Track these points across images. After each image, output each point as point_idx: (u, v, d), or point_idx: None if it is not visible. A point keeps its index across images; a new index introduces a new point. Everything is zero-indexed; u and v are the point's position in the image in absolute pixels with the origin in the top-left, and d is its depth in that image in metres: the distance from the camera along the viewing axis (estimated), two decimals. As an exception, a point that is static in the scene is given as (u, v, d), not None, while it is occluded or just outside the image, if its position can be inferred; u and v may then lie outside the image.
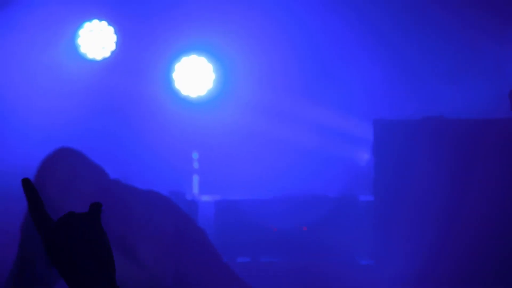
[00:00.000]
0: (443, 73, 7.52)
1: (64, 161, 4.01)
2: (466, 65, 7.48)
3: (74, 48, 6.70)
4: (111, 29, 6.75)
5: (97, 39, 6.66)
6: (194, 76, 6.82)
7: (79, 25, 6.66)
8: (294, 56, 7.27)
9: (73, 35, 6.72)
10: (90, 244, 1.71)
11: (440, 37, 7.60)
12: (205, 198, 6.37)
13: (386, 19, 7.33)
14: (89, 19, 6.72)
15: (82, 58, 6.68)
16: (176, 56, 6.90)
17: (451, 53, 7.83)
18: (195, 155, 6.56)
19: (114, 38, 6.79)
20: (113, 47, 6.75)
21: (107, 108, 6.75)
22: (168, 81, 7.00)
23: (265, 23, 6.95)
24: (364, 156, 7.42)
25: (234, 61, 6.78)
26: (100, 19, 6.71)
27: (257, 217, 6.77)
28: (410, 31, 7.83)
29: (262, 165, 7.12)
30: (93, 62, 6.77)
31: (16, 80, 6.87)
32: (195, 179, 6.59)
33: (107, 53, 6.80)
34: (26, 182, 1.74)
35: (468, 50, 7.54)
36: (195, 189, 6.66)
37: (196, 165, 6.56)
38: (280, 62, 6.88)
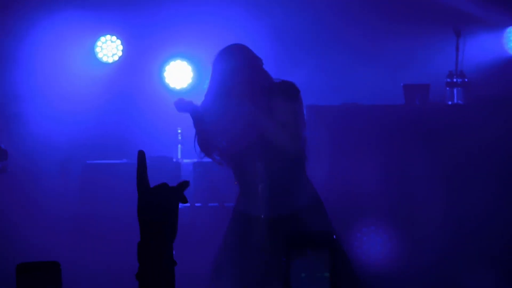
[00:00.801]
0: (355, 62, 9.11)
1: None
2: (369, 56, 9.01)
3: (93, 54, 9.14)
4: (119, 41, 8.92)
5: (109, 48, 9.02)
6: (178, 74, 8.97)
7: (97, 38, 9.06)
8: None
9: (93, 45, 9.11)
10: (167, 212, 2.08)
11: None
12: (186, 161, 8.09)
13: (293, 17, 9.17)
14: (104, 34, 9.01)
15: (98, 62, 9.02)
16: (166, 60, 8.90)
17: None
18: (179, 130, 8.66)
19: (121, 47, 8.93)
20: (120, 54, 8.94)
21: (117, 97, 9.00)
22: (160, 78, 8.95)
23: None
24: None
25: (206, 64, 8.96)
26: (112, 34, 9.07)
27: (223, 174, 8.64)
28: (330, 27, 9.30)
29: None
30: (106, 64, 8.97)
31: (50, 80, 9.16)
32: (179, 147, 8.29)
33: (116, 58, 8.94)
34: (140, 153, 2.12)
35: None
36: (179, 154, 8.11)
37: (179, 137, 8.62)
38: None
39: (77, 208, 8.05)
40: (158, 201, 2.07)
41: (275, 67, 5.05)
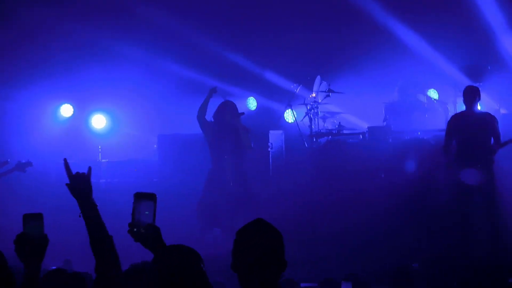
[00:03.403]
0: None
1: None
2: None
3: (57, 112, 16.25)
4: (70, 106, 16.52)
5: (66, 109, 16.33)
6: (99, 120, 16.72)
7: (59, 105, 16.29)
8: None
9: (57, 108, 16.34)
10: None
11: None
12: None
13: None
14: (62, 103, 16.34)
15: (61, 118, 16.11)
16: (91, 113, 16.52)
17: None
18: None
19: (71, 110, 16.38)
20: (71, 113, 16.51)
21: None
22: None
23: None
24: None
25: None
26: (66, 102, 16.44)
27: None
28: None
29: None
30: (64, 119, 16.19)
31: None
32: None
33: (69, 115, 16.34)
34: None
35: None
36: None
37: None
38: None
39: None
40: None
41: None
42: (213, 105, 12.11)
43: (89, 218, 4.12)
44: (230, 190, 11.17)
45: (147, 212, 3.98)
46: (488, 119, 10.89)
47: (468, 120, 10.87)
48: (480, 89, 11.39)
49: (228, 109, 11.36)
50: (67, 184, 4.18)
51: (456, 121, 10.96)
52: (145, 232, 3.93)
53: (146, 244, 3.96)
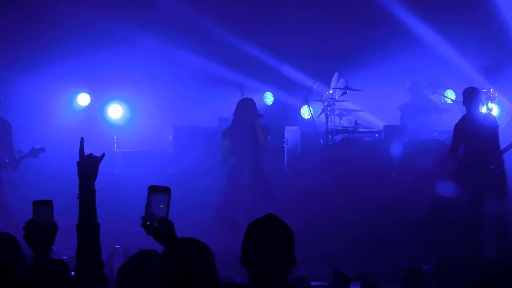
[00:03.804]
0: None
1: None
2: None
3: (73, 101, 16.33)
4: (87, 95, 16.39)
5: (83, 98, 16.28)
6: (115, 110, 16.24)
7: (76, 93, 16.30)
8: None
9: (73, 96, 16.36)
10: None
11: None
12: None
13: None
14: (79, 92, 16.24)
15: (77, 107, 16.16)
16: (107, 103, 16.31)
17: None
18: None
19: (88, 99, 16.14)
20: (88, 102, 16.22)
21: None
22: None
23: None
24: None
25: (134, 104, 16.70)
26: (83, 91, 16.30)
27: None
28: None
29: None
30: (81, 108, 16.18)
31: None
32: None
33: (86, 104, 16.12)
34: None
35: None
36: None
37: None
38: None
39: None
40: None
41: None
42: (232, 100, 12.08)
43: (84, 201, 4.14)
44: (247, 190, 11.11)
45: (161, 206, 3.97)
46: (493, 121, 10.92)
47: (475, 123, 10.78)
48: (497, 91, 11.30)
49: (247, 107, 11.24)
50: (77, 162, 4.21)
51: (463, 125, 10.86)
52: (158, 226, 3.92)
53: (159, 238, 3.96)
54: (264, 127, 11.21)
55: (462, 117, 11.08)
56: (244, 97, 11.81)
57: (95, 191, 4.18)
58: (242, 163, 11.16)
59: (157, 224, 3.92)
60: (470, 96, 10.80)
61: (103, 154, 4.29)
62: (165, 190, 3.99)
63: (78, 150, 4.24)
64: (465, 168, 10.69)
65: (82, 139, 4.24)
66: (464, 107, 11.02)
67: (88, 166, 4.19)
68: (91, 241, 4.06)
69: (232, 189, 11.21)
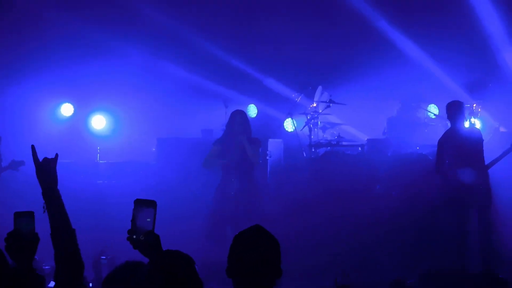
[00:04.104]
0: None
1: None
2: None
3: (57, 112, 16.44)
4: (70, 106, 16.57)
5: (66, 109, 16.49)
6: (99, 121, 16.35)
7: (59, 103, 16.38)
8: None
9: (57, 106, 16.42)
10: None
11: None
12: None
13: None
14: (62, 102, 16.41)
15: (60, 117, 16.36)
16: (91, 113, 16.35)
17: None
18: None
19: (72, 109, 16.40)
20: (72, 112, 16.49)
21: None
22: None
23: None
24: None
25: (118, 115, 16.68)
26: (67, 101, 16.47)
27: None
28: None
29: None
30: (64, 118, 16.33)
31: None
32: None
33: (70, 114, 16.44)
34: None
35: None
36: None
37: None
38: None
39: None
40: None
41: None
42: (216, 112, 11.94)
43: (52, 207, 4.03)
44: (235, 204, 10.96)
45: (148, 219, 3.92)
46: (478, 134, 10.85)
47: (460, 137, 10.72)
48: (480, 106, 11.31)
49: (238, 120, 11.07)
50: (35, 171, 4.14)
51: (447, 139, 10.78)
52: (145, 240, 3.86)
53: (145, 251, 3.91)
54: (255, 139, 11.09)
55: (446, 131, 11.04)
56: (238, 109, 11.71)
57: (59, 195, 4.09)
58: (230, 175, 11.04)
59: (143, 237, 3.88)
60: (454, 110, 10.76)
61: (57, 155, 4.20)
62: (151, 204, 3.95)
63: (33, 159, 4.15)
64: (450, 181, 10.63)
65: (33, 146, 4.15)
66: (448, 121, 11.01)
67: (45, 170, 4.10)
68: (67, 247, 3.98)
69: (219, 201, 11.10)
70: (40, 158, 4.27)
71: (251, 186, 11.05)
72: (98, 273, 8.01)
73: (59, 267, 4.01)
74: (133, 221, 3.92)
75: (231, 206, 10.90)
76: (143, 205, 3.94)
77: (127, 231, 3.94)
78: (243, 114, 11.14)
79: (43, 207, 4.09)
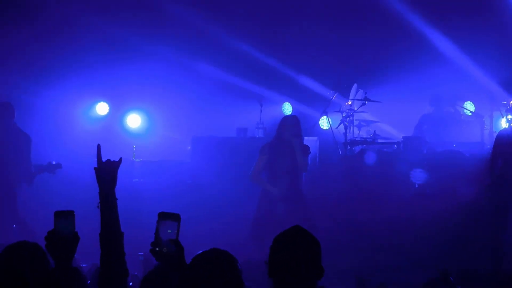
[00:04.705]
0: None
1: None
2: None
3: (92, 110, 16.43)
4: (106, 105, 16.65)
5: (101, 108, 16.50)
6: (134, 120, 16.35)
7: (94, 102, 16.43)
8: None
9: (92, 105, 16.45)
10: None
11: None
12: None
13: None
14: (98, 101, 16.45)
15: (96, 116, 16.39)
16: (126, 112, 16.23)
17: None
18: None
19: (107, 108, 16.46)
20: (107, 111, 16.50)
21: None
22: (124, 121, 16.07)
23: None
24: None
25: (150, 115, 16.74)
26: (102, 100, 16.52)
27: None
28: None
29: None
30: (99, 117, 16.37)
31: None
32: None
33: (105, 113, 16.39)
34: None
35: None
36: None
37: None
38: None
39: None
40: None
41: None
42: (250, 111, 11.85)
43: (106, 209, 4.06)
44: (280, 210, 10.62)
45: (170, 231, 3.97)
46: None
47: None
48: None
49: (290, 125, 10.75)
50: (95, 168, 4.16)
51: (503, 138, 10.40)
52: (167, 251, 3.90)
53: (168, 263, 3.94)
54: (306, 146, 10.84)
55: (508, 128, 10.81)
56: (291, 114, 11.50)
57: (116, 198, 4.14)
58: (277, 183, 10.78)
59: (166, 250, 3.85)
60: None
61: (121, 159, 4.30)
62: (175, 217, 3.98)
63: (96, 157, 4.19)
64: (501, 181, 10.29)
65: (99, 145, 4.24)
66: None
67: (107, 172, 4.16)
68: (115, 249, 4.00)
69: (265, 206, 10.80)
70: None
71: (298, 192, 10.80)
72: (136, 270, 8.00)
73: (104, 269, 4.02)
74: (157, 233, 3.96)
75: (278, 212, 10.60)
76: (167, 218, 3.94)
77: (150, 243, 3.98)
78: (295, 118, 10.87)
79: (98, 206, 4.12)
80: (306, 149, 10.78)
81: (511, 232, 10.39)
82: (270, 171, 10.76)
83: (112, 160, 4.23)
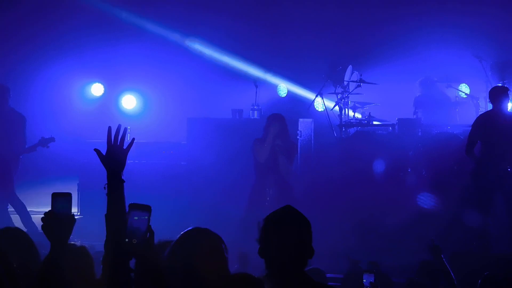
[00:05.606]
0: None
1: None
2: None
3: (87, 91, 16.51)
4: (101, 85, 16.68)
5: (96, 88, 16.60)
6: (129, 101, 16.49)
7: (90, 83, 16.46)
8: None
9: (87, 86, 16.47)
10: None
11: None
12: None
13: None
14: (93, 82, 16.60)
15: (91, 97, 16.59)
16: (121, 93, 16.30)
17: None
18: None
19: (102, 89, 16.61)
20: (102, 92, 16.61)
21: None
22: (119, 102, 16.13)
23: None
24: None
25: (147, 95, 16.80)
26: (97, 81, 16.63)
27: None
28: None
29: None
30: (94, 98, 16.53)
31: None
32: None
33: (100, 94, 16.56)
34: None
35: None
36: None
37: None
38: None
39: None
40: None
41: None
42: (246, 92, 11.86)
43: (113, 191, 4.02)
44: (268, 207, 10.53)
45: (141, 222, 3.89)
46: None
47: (497, 120, 10.57)
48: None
49: (273, 125, 11.06)
50: (108, 146, 4.10)
51: (483, 121, 10.65)
52: (137, 243, 3.84)
53: (136, 254, 3.88)
54: (292, 144, 11.18)
55: (486, 113, 10.96)
56: (275, 113, 11.58)
57: (123, 181, 4.07)
58: (264, 181, 11.04)
59: (135, 241, 3.86)
60: (499, 94, 10.60)
61: (133, 139, 4.18)
62: (146, 208, 3.91)
63: (106, 139, 4.11)
64: (482, 165, 10.54)
65: (109, 127, 4.11)
66: (491, 103, 10.85)
67: (117, 152, 4.11)
68: (119, 232, 3.91)
69: (254, 202, 11.07)
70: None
71: (287, 188, 11.06)
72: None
73: (108, 250, 4.02)
74: (127, 224, 3.90)
75: (267, 208, 10.56)
76: (138, 209, 3.93)
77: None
78: (280, 120, 11.10)
79: (104, 186, 4.08)
80: (292, 147, 11.15)
81: (500, 215, 10.56)
82: (257, 168, 11.08)
83: (119, 144, 4.13)
